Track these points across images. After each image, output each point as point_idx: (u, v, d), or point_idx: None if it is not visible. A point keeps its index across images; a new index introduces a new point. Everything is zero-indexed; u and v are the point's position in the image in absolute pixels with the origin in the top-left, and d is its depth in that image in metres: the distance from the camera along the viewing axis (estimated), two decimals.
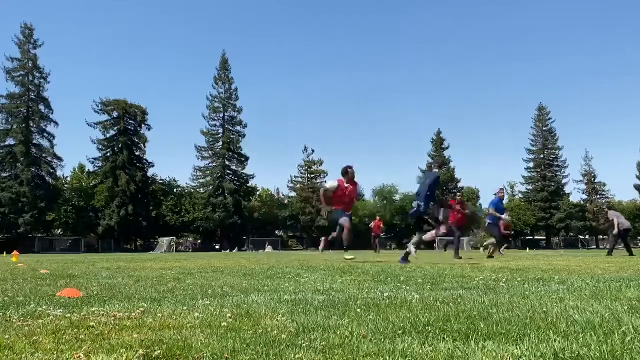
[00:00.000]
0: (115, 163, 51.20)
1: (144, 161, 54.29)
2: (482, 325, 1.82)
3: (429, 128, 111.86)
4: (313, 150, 56.80)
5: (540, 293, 3.17)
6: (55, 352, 1.51)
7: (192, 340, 1.65)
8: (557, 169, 63.19)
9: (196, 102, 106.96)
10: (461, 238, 14.86)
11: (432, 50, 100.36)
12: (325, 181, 57.97)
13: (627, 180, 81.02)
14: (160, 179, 56.47)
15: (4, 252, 27.82)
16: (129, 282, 4.80)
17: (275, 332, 1.78)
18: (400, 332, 1.74)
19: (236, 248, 47.19)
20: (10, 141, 48.73)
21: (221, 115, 55.26)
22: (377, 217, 25.47)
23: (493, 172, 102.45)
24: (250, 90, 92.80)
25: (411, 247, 7.64)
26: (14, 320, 2.20)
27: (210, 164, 55.46)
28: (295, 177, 58.16)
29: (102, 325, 2.02)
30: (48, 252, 40.33)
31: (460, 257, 12.38)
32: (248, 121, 57.21)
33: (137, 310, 2.48)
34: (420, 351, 1.44)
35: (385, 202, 62.11)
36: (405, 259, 6.89)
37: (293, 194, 58.39)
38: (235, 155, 55.08)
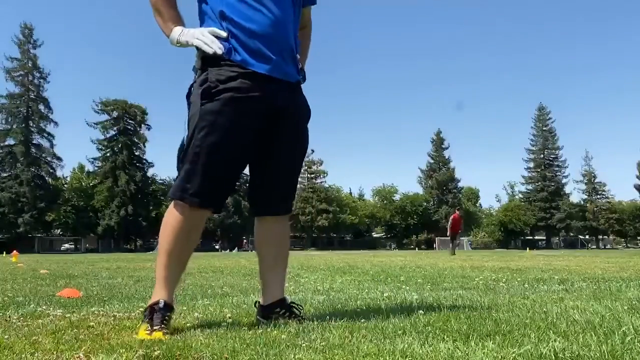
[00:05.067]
0: (115, 163, 51.17)
1: (144, 161, 54.28)
2: (482, 325, 1.82)
3: (429, 128, 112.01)
4: (313, 151, 56.82)
5: (540, 293, 3.16)
6: (55, 353, 1.51)
7: (192, 340, 1.65)
8: (557, 169, 63.18)
9: None
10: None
11: (432, 50, 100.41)
12: (325, 181, 58.12)
13: (627, 180, 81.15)
14: (160, 179, 56.44)
15: (4, 252, 27.81)
16: (129, 282, 4.80)
17: (275, 332, 1.77)
18: (400, 332, 1.74)
19: (236, 248, 47.16)
20: (10, 141, 48.73)
21: None
22: (456, 211, 20.62)
23: (493, 172, 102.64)
24: None
25: None
26: (14, 321, 2.20)
27: None
28: None
29: (102, 326, 2.02)
30: (48, 253, 40.32)
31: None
32: None
33: (137, 310, 2.48)
34: (420, 351, 1.43)
35: (385, 202, 62.07)
36: None
37: None
38: None
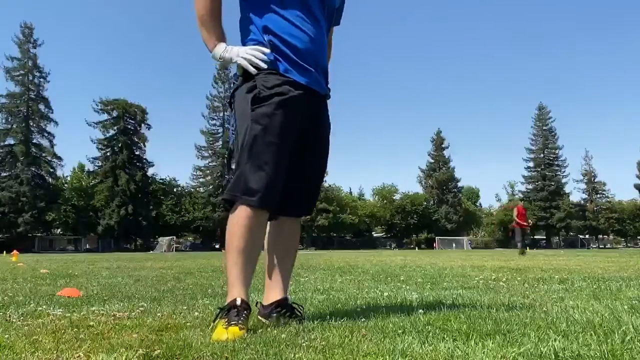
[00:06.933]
0: (115, 163, 51.18)
1: (144, 161, 54.29)
2: (482, 325, 1.82)
3: (429, 128, 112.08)
4: None
5: (540, 293, 3.16)
6: (55, 352, 1.51)
7: (192, 340, 1.65)
8: (557, 168, 63.18)
9: (196, 102, 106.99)
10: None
11: (432, 50, 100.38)
12: (325, 181, 57.86)
13: (627, 180, 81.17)
14: (160, 179, 56.46)
15: (4, 252, 27.82)
16: (129, 282, 4.80)
17: (275, 331, 1.77)
18: (400, 331, 1.74)
19: None
20: (10, 141, 48.77)
21: (221, 114, 55.26)
22: (520, 203, 17.81)
23: (493, 172, 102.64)
24: None
25: None
26: (14, 320, 2.20)
27: (210, 164, 55.43)
28: None
29: (102, 325, 2.01)
30: (48, 252, 40.33)
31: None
32: None
33: (137, 310, 2.48)
34: (420, 351, 1.43)
35: (385, 201, 62.05)
36: None
37: None
38: None
